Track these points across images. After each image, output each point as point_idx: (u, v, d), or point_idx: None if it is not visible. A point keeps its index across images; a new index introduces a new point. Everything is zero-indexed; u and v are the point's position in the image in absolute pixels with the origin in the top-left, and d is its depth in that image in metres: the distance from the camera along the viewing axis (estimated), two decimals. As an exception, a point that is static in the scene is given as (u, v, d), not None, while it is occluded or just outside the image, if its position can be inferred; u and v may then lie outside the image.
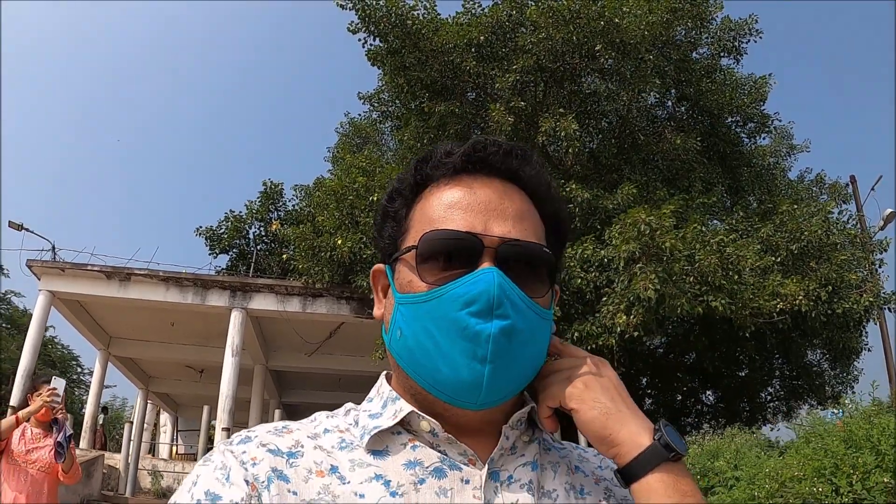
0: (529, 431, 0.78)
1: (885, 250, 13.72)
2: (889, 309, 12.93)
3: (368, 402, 0.78)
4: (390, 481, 0.67)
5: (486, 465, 0.70)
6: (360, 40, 13.08)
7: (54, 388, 4.19)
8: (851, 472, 4.64)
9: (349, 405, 0.79)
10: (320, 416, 0.77)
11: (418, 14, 12.77)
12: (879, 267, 13.28)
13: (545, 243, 0.75)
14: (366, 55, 13.33)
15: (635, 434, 0.70)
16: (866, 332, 16.24)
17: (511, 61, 12.18)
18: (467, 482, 0.69)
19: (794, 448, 5.55)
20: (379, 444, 0.71)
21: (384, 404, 0.75)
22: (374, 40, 12.95)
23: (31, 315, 34.25)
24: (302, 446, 0.69)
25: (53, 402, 4.14)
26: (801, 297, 10.19)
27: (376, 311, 0.81)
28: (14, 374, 30.40)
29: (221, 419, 12.98)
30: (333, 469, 0.68)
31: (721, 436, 7.73)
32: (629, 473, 0.69)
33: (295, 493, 0.64)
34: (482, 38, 12.37)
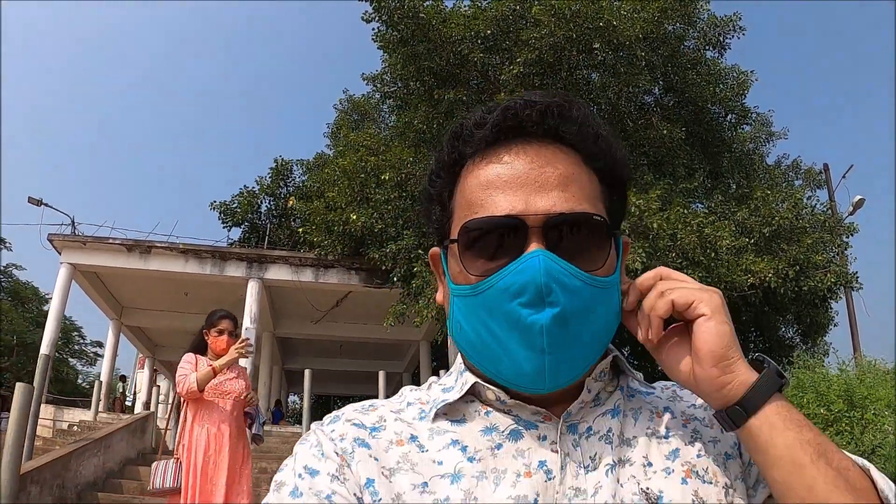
0: (614, 381, 0.76)
1: (851, 234, 14.89)
2: (852, 288, 14.21)
3: (448, 377, 0.79)
4: (467, 447, 0.68)
5: (562, 419, 0.69)
6: (373, 30, 14.06)
7: (248, 339, 4.37)
8: (798, 408, 5.87)
9: (432, 379, 0.80)
10: (405, 391, 0.79)
11: (427, 4, 13.70)
12: (845, 249, 14.50)
13: (597, 205, 0.70)
14: (378, 44, 14.30)
15: (745, 362, 0.66)
16: (835, 310, 17.58)
17: (514, 54, 13.15)
18: (544, 438, 0.68)
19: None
20: (456, 414, 0.72)
21: (456, 378, 0.76)
22: (388, 30, 13.88)
23: (34, 288, 34.98)
24: (384, 420, 0.71)
25: (248, 352, 4.29)
26: (770, 275, 11.41)
27: (438, 297, 0.79)
28: (17, 346, 31.19)
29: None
30: (413, 438, 0.69)
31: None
32: (747, 405, 0.64)
33: (376, 459, 0.66)
34: (488, 31, 13.34)
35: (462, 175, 0.73)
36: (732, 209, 13.18)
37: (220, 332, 4.39)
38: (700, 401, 0.76)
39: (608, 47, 12.71)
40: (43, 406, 13.90)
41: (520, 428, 0.69)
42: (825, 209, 15.60)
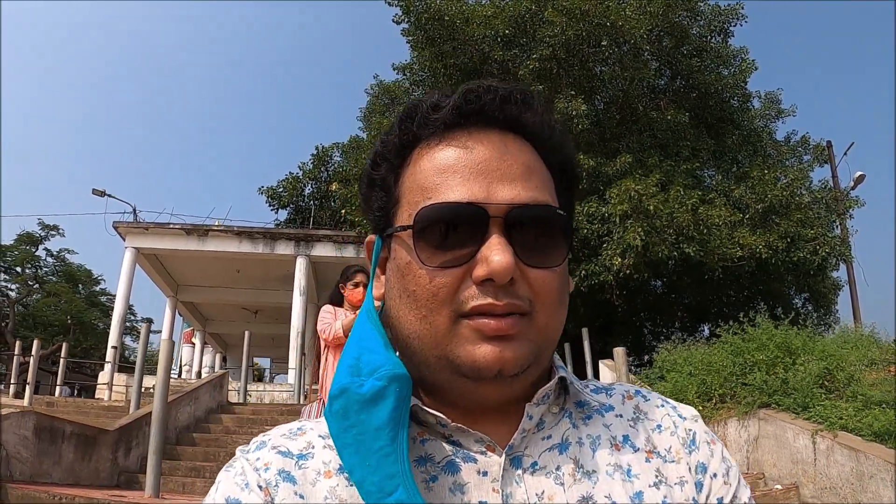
0: (560, 401, 0.68)
1: (851, 208, 15.89)
2: (844, 259, 15.35)
3: None
4: None
5: (505, 453, 0.62)
6: (402, 30, 15.57)
7: None
8: (747, 354, 7.47)
9: None
10: None
11: (450, 7, 15.11)
12: (843, 222, 15.55)
13: (556, 200, 0.66)
14: (408, 43, 15.82)
15: None
16: (844, 281, 18.53)
17: (531, 50, 14.52)
18: (485, 474, 0.61)
19: (719, 345, 8.40)
20: None
21: None
22: (416, 30, 15.35)
23: (87, 270, 37.46)
24: (313, 447, 0.65)
25: None
26: (761, 247, 12.79)
27: (376, 291, 0.69)
28: (73, 325, 33.42)
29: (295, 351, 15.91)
30: (342, 469, 0.62)
31: (685, 345, 10.41)
32: None
33: (301, 497, 0.60)
34: (507, 31, 14.73)
35: (413, 158, 0.66)
36: (731, 187, 14.47)
37: (356, 285, 4.62)
38: (669, 420, 0.70)
39: (615, 44, 14.03)
40: (116, 375, 15.71)
41: (457, 460, 0.62)
42: (823, 185, 16.71)
